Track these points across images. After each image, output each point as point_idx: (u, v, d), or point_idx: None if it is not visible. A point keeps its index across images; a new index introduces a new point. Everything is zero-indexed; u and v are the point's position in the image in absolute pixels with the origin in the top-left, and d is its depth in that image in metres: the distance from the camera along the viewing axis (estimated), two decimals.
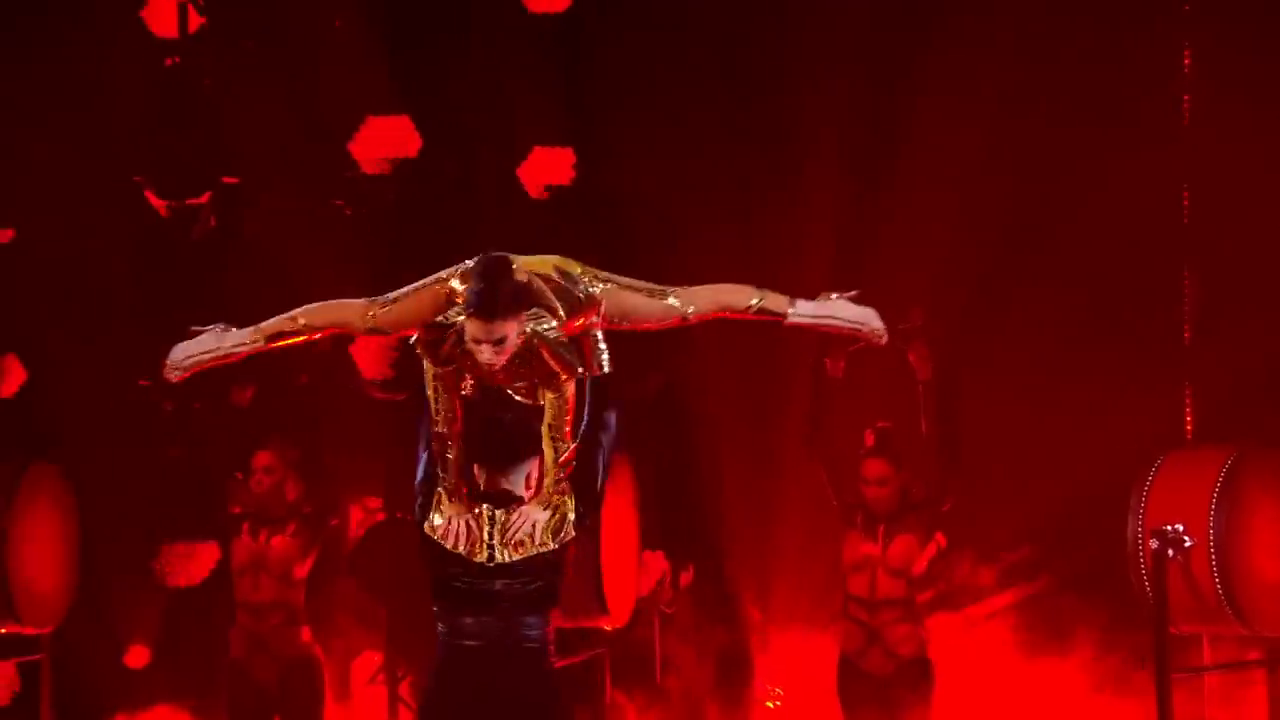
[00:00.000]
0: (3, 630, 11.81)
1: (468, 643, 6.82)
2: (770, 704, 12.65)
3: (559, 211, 14.32)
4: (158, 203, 14.31)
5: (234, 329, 7.09)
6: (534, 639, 6.81)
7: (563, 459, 6.87)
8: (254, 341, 7.10)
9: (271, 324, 7.15)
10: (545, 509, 6.81)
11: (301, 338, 7.16)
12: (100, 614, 12.95)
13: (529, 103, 14.44)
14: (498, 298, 6.55)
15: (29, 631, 11.88)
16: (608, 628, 11.78)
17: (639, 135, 14.17)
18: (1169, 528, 10.08)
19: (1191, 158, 13.58)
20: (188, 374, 7.22)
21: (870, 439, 10.81)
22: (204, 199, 14.65)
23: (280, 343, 7.20)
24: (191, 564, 13.01)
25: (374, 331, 7.27)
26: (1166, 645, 10.20)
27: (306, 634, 11.23)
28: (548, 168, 14.56)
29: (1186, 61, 13.53)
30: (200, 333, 7.09)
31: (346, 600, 13.34)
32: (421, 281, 7.03)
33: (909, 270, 12.17)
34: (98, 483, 12.91)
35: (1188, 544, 10.10)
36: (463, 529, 6.78)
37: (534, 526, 6.78)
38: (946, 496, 10.44)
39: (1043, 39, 13.25)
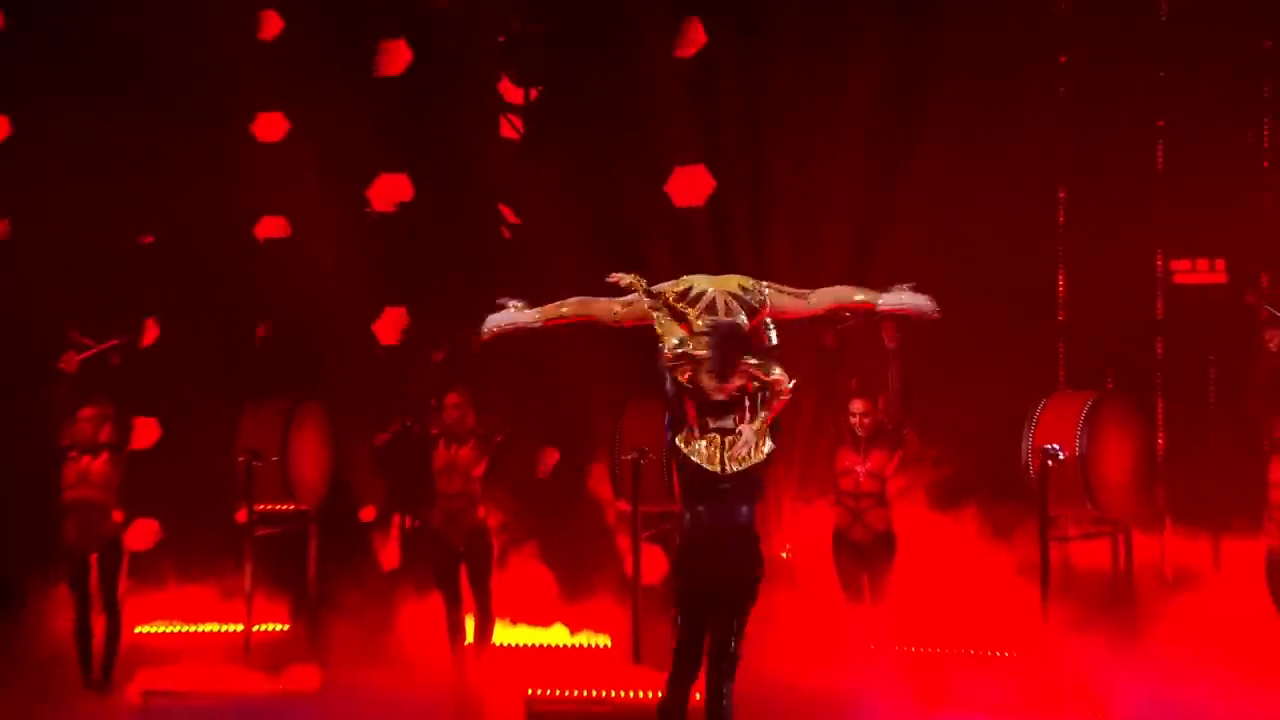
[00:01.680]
0: (289, 506, 12.68)
1: (702, 521, 7.54)
2: (784, 554, 12.59)
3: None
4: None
5: (527, 309, 7.90)
6: (744, 517, 7.54)
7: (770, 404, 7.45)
8: (534, 321, 7.93)
9: (547, 310, 7.95)
10: (756, 436, 7.40)
11: (565, 322, 7.95)
12: (345, 496, 13.73)
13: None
14: (727, 365, 7.31)
15: (302, 507, 12.83)
16: (677, 509, 11.79)
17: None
18: (1049, 446, 10.83)
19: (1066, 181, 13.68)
20: (493, 337, 8.05)
21: (855, 385, 11.55)
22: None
23: (553, 323, 7.97)
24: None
25: (616, 324, 7.93)
26: (1046, 522, 10.96)
27: (481, 512, 11.69)
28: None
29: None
30: (504, 305, 7.88)
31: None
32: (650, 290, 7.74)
33: (881, 275, 12.61)
34: (345, 411, 13.71)
35: (1061, 457, 10.78)
36: (704, 450, 7.46)
37: (749, 448, 7.42)
38: (905, 425, 11.03)
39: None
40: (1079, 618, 11.14)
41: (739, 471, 7.46)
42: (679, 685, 7.66)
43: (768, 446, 7.42)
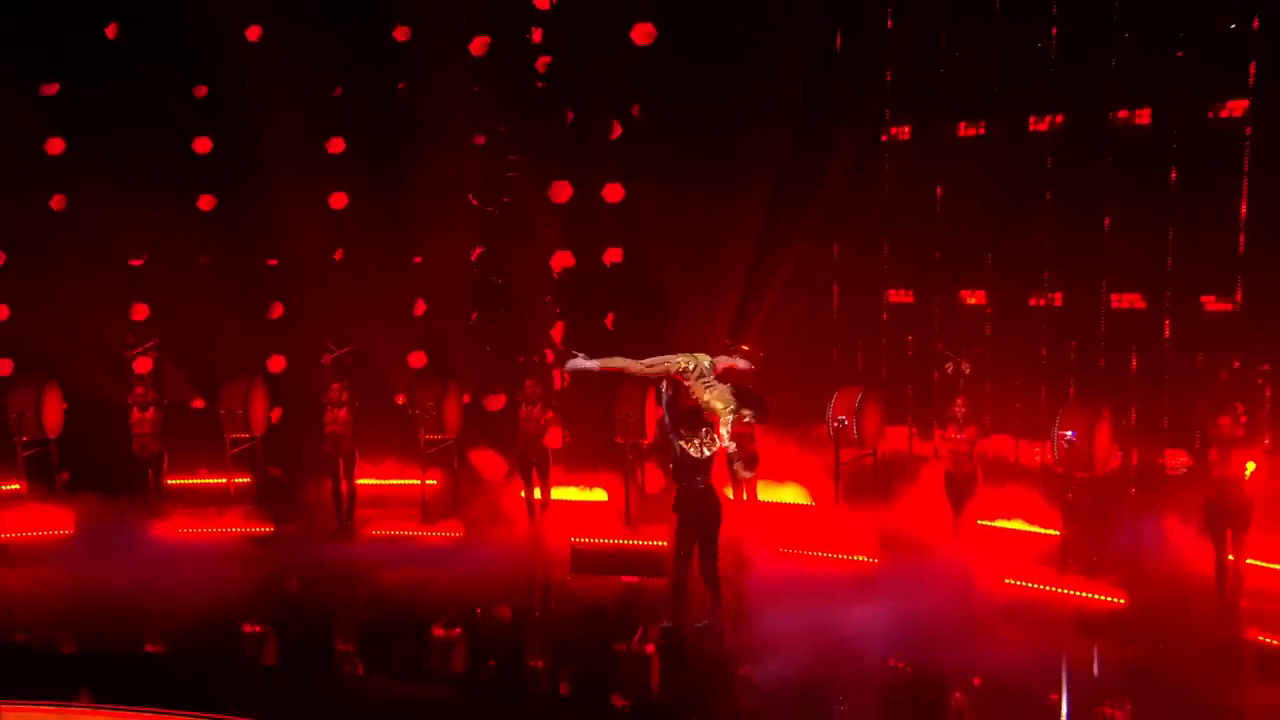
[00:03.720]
0: (440, 435, 13.54)
1: (686, 486, 9.45)
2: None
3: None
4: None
5: (591, 359, 9.23)
6: (706, 484, 9.43)
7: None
8: (595, 367, 9.36)
9: (605, 361, 9.33)
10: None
11: (611, 369, 9.33)
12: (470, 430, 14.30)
13: None
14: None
15: (449, 436, 13.66)
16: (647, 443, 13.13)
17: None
18: (841, 417, 12.62)
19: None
20: (570, 373, 9.68)
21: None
22: None
23: (605, 369, 9.45)
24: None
25: (643, 377, 9.24)
26: (840, 454, 12.67)
27: (545, 440, 13.27)
28: None
29: None
30: (574, 355, 9.32)
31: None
32: (665, 360, 9.17)
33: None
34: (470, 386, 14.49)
35: (847, 423, 12.58)
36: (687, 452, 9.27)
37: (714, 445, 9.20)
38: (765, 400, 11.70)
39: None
40: (854, 493, 12.85)
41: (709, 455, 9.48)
42: (680, 570, 9.73)
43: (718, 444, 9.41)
